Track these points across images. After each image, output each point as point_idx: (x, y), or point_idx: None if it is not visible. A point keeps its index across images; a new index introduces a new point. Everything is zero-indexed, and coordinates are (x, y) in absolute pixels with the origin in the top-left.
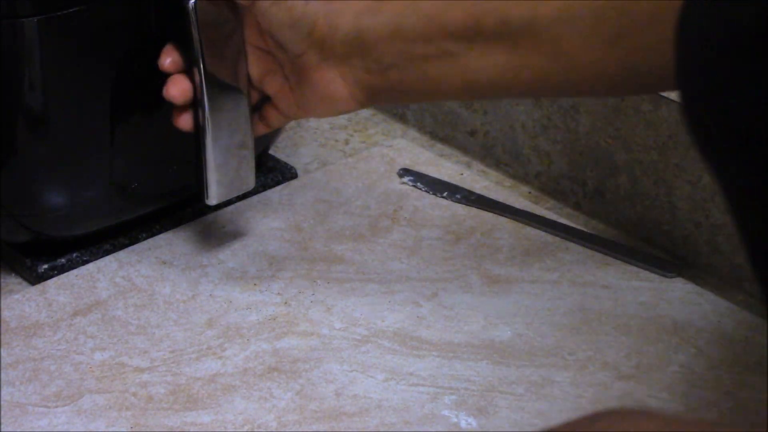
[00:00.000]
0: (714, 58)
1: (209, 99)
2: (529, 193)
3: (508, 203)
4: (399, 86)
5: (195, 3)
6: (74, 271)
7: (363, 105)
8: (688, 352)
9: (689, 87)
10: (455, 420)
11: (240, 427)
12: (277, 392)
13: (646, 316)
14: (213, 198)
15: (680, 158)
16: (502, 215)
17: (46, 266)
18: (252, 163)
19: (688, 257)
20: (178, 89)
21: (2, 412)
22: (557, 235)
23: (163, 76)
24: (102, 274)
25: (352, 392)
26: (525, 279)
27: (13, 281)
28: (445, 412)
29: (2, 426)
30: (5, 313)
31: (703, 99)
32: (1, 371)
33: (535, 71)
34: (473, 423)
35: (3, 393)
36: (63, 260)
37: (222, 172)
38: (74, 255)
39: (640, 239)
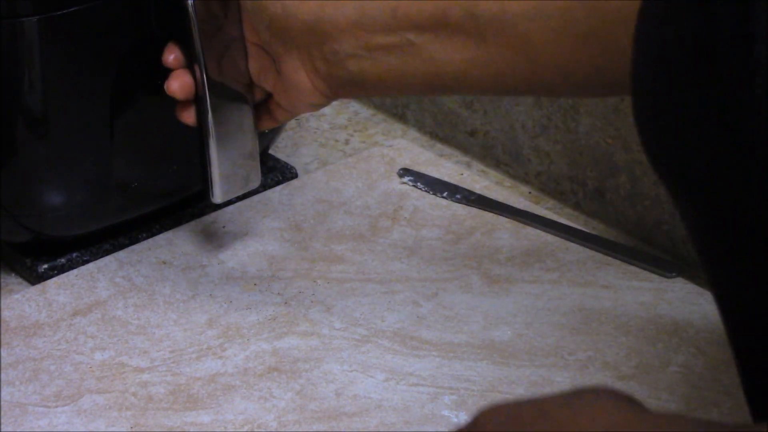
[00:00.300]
0: (661, 67)
1: (211, 95)
2: (529, 193)
3: (508, 203)
4: (359, 78)
5: (194, 1)
6: (74, 271)
7: (328, 97)
8: (688, 352)
9: (639, 93)
10: (455, 420)
11: (240, 427)
12: (277, 392)
13: (646, 316)
14: (218, 196)
15: None
16: (502, 215)
17: (46, 266)
18: (257, 161)
19: (689, 257)
20: (178, 84)
21: (2, 412)
22: (557, 235)
23: (164, 74)
24: (102, 274)
25: (352, 392)
26: (525, 279)
27: (13, 281)
28: (445, 412)
29: (2, 426)
30: (5, 313)
31: (651, 107)
32: (1, 371)
33: (503, 67)
34: None
35: (3, 393)
36: (63, 260)
37: (227, 170)
38: (74, 255)
39: (640, 239)
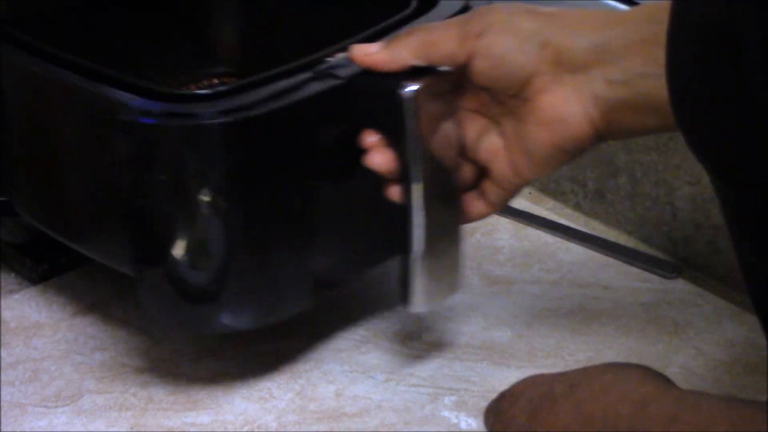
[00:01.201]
0: (689, 50)
1: (426, 203)
2: (529, 193)
3: (508, 203)
4: (644, 100)
5: (414, 93)
6: (75, 272)
7: (596, 128)
8: (688, 352)
9: (673, 74)
10: (455, 421)
11: (240, 428)
12: (277, 392)
13: (647, 317)
14: (418, 306)
15: (680, 159)
16: (502, 216)
17: (46, 266)
18: (459, 266)
19: (689, 258)
20: (381, 158)
21: (2, 412)
22: (557, 236)
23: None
24: (102, 274)
25: (352, 393)
26: (525, 279)
27: (13, 281)
28: (445, 413)
29: (2, 426)
30: (5, 313)
31: (683, 90)
32: (1, 371)
33: None
34: (473, 424)
35: (3, 393)
36: (63, 260)
37: (429, 277)
38: (75, 255)
39: (641, 240)
